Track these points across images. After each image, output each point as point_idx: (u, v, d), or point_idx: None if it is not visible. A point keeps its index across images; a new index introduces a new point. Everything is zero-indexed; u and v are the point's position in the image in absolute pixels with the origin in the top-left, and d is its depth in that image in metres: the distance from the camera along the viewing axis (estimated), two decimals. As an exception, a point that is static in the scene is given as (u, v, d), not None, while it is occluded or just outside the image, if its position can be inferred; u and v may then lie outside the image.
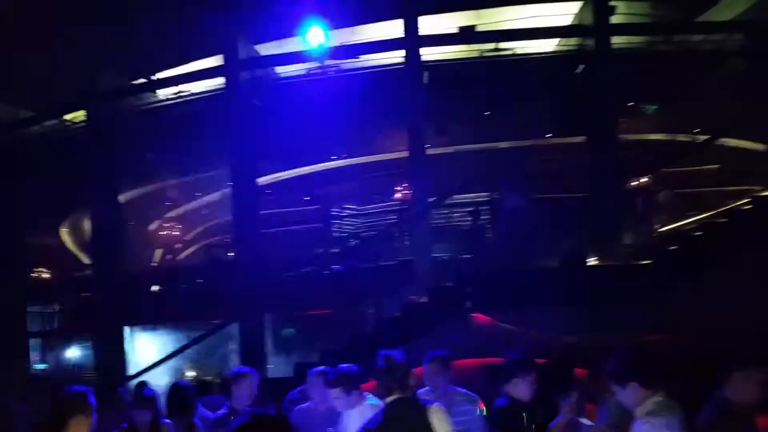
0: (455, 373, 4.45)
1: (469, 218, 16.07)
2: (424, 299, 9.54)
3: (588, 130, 12.74)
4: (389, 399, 3.41)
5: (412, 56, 12.39)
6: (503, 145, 16.56)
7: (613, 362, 3.33)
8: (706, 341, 8.34)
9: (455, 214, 17.18)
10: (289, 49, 14.14)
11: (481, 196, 16.67)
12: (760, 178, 14.31)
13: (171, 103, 14.71)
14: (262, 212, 14.42)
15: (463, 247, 14.72)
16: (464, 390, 4.37)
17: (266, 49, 14.86)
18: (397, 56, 12.89)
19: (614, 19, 12.44)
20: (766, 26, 12.28)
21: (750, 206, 10.54)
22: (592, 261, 10.94)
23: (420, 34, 12.56)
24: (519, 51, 13.89)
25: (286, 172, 18.52)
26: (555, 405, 3.92)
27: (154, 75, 15.07)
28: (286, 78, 14.52)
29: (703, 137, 15.77)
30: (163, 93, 14.93)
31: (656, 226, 13.33)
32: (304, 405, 4.46)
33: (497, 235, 13.75)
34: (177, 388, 4.49)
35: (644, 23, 13.87)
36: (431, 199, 12.87)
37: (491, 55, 13.68)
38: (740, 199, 11.91)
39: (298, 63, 13.91)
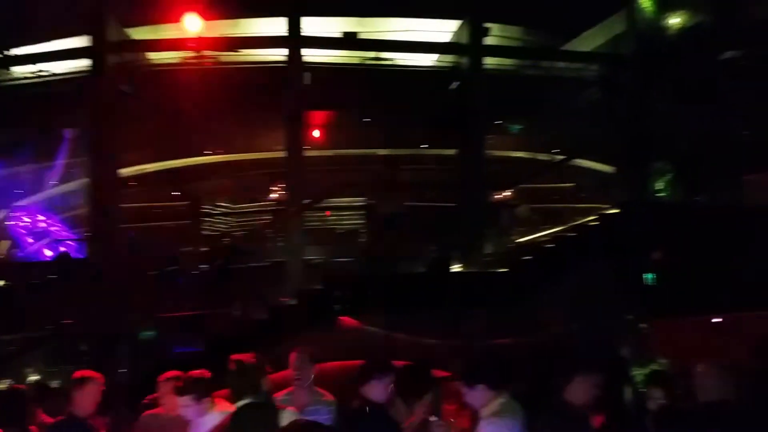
0: (318, 376, 4.45)
1: (345, 222, 16.23)
2: (292, 302, 9.47)
3: (459, 143, 13.36)
4: (238, 404, 3.33)
5: (295, 56, 12.30)
6: (381, 152, 16.90)
7: (463, 364, 3.50)
8: (553, 344, 9.07)
9: (331, 217, 17.26)
10: (164, 35, 13.44)
11: (358, 200, 16.88)
12: (607, 197, 15.76)
13: (29, 83, 13.41)
14: (123, 205, 13.53)
15: (338, 250, 14.82)
16: (322, 391, 4.37)
17: (139, 33, 13.99)
18: (280, 54, 12.73)
19: (488, 41, 13.18)
20: (618, 60, 13.59)
21: (596, 222, 11.64)
22: (456, 267, 11.49)
23: (303, 34, 12.51)
24: (399, 62, 14.26)
25: (154, 165, 17.55)
26: (411, 406, 4.05)
27: (9, 50, 13.63)
28: (160, 65, 13.78)
29: (560, 157, 17.12)
30: (20, 71, 13.57)
31: (515, 237, 14.25)
32: (153, 411, 4.24)
33: (370, 240, 14.00)
34: (8, 394, 4.08)
35: (514, 47, 14.80)
36: (307, 201, 12.83)
37: (373, 63, 13.94)
38: (589, 216, 13.10)
39: (172, 50, 13.25)
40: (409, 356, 5.79)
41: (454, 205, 13.22)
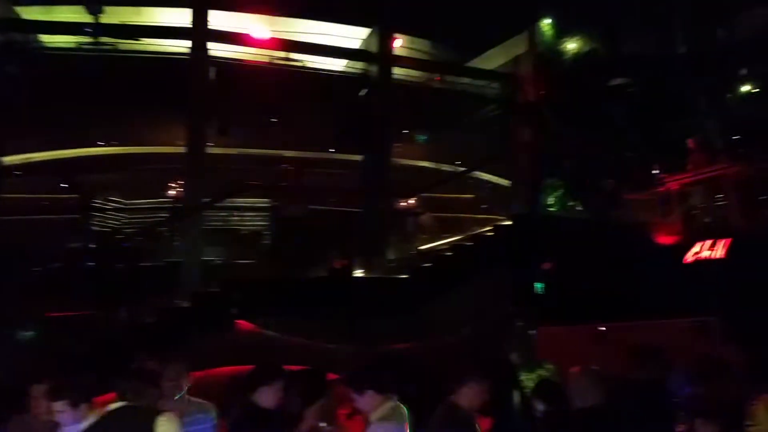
0: (212, 381, 4.34)
1: (247, 223, 15.87)
2: (186, 304, 9.13)
3: (365, 150, 13.51)
4: (111, 407, 3.20)
5: (200, 49, 11.91)
6: (288, 153, 16.74)
7: (353, 370, 3.56)
8: (447, 349, 9.37)
9: (233, 218, 16.82)
10: (58, 17, 12.60)
11: (261, 201, 16.57)
12: (504, 208, 16.47)
13: None
14: (4, 196, 12.51)
15: (238, 252, 14.46)
16: (198, 400, 4.25)
17: (30, 12, 13.03)
18: (184, 46, 12.29)
19: (397, 51, 13.43)
20: (516, 79, 14.29)
21: (492, 233, 12.15)
22: (358, 273, 11.57)
23: (210, 28, 12.16)
24: (309, 65, 14.22)
25: (42, 154, 16.35)
26: (302, 412, 4.04)
27: None
28: (53, 49, 12.89)
29: (462, 169, 17.75)
30: None
31: (417, 244, 14.59)
32: (23, 414, 3.95)
33: (272, 242, 13.78)
34: None
35: (422, 59, 15.21)
36: (207, 200, 12.44)
37: (282, 63, 13.80)
38: (486, 226, 13.64)
39: (67, 34, 12.44)
40: (307, 361, 5.79)
41: (358, 210, 13.33)
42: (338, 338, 9.18)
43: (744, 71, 13.13)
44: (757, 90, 13.19)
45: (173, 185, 17.25)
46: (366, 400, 3.56)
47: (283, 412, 3.88)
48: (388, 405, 3.54)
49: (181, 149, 12.39)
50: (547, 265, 12.35)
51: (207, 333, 8.20)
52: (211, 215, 14.55)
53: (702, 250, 10.60)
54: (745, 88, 13.36)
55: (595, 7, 13.19)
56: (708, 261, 10.53)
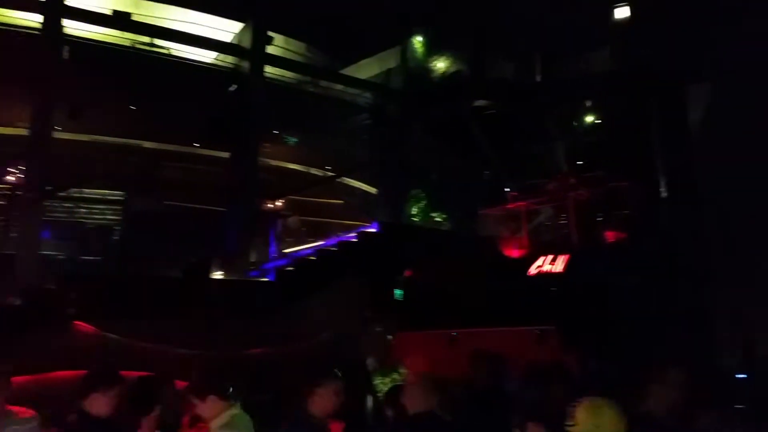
0: (44, 386, 3.91)
1: (95, 216, 14.65)
2: (17, 302, 8.24)
3: (233, 147, 13.09)
4: None
5: (52, 25, 10.87)
6: (147, 144, 15.71)
7: (194, 376, 3.39)
8: (303, 354, 9.30)
9: (80, 210, 15.45)
10: None
11: (113, 194, 15.41)
12: (370, 216, 16.76)
13: None
14: None
15: (84, 247, 13.33)
16: (16, 409, 3.81)
17: None
18: (36, 21, 11.17)
19: (271, 50, 13.19)
20: (388, 91, 14.67)
21: (356, 239, 12.32)
22: (217, 274, 11.15)
23: (65, 3, 11.16)
24: (176, 53, 13.52)
25: None
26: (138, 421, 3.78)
27: None
28: None
29: (331, 174, 17.80)
30: None
31: (282, 247, 14.38)
32: None
33: (122, 238, 12.87)
34: None
35: (297, 61, 15.06)
36: (50, 188, 11.33)
37: (145, 48, 12.99)
38: (353, 232, 13.79)
39: None
40: (153, 367, 5.42)
41: (221, 209, 12.86)
42: (193, 342, 8.76)
43: (589, 103, 14.54)
44: (599, 120, 14.66)
45: (12, 170, 15.48)
46: (208, 407, 3.40)
47: (116, 421, 3.61)
48: (230, 412, 3.41)
49: (24, 131, 11.20)
50: (407, 273, 12.78)
51: (40, 334, 7.43)
52: (54, 205, 13.31)
53: (544, 264, 11.53)
54: (589, 118, 14.80)
55: (463, 33, 13.91)
56: (549, 274, 11.48)
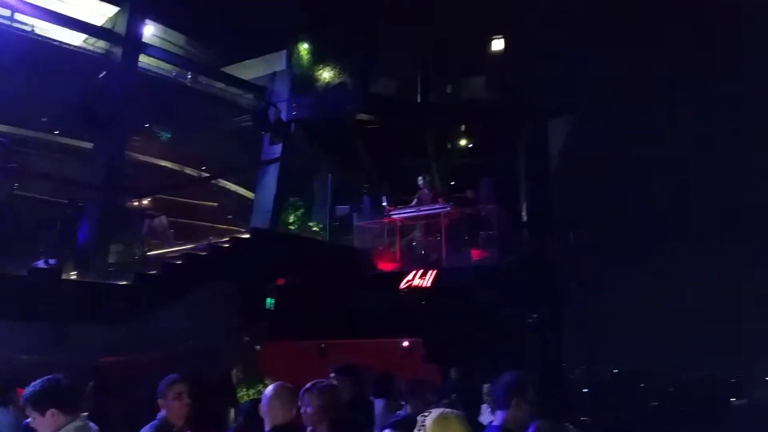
0: None
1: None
2: None
3: (96, 137, 12.19)
4: None
5: None
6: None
7: (32, 388, 3.08)
8: (161, 362, 8.80)
9: None
10: None
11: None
12: (245, 221, 16.32)
13: None
14: None
15: None
16: None
17: None
18: None
19: (148, 39, 12.47)
20: (272, 94, 14.39)
21: (228, 244, 11.92)
22: (71, 275, 10.26)
23: None
24: (40, 32, 12.36)
25: None
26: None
27: None
28: None
29: (206, 174, 17.13)
30: None
31: (147, 249, 13.56)
32: None
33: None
34: None
35: (175, 54, 14.34)
36: None
37: (5, 23, 11.77)
38: (223, 237, 13.33)
39: None
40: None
41: (79, 203, 11.86)
42: (37, 348, 7.99)
43: (463, 127, 15.32)
44: (471, 145, 15.49)
45: None
46: (47, 421, 3.10)
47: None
48: (73, 425, 3.13)
49: None
50: (279, 282, 12.58)
51: None
52: None
53: (414, 279, 11.89)
54: (464, 141, 15.59)
55: (348, 46, 14.06)
56: (418, 288, 11.85)
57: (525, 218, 13.93)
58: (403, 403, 5.78)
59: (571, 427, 4.47)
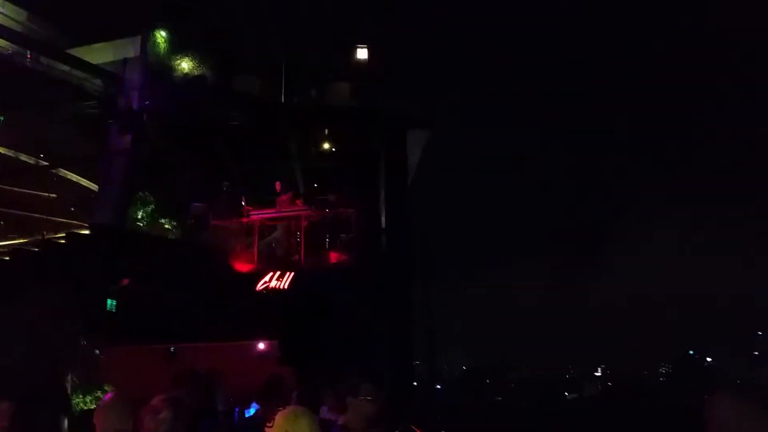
0: None
1: None
2: None
3: None
4: None
5: None
6: None
7: None
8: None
9: None
10: None
11: None
12: (88, 215, 15.10)
13: None
14: None
15: None
16: None
17: None
18: None
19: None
20: (122, 81, 13.43)
21: (65, 240, 10.96)
22: None
23: None
24: None
25: None
26: None
27: None
28: None
29: (45, 163, 15.63)
30: None
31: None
32: None
33: None
34: None
35: (13, 29, 12.94)
36: None
37: None
38: (61, 232, 12.24)
39: None
40: None
41: None
42: None
43: (326, 131, 15.39)
44: (334, 149, 15.61)
45: None
46: None
47: None
48: None
49: None
50: (124, 282, 11.76)
51: None
52: None
53: (271, 280, 11.75)
54: (326, 145, 15.67)
55: (209, 38, 13.60)
56: (275, 290, 11.72)
57: (384, 223, 14.30)
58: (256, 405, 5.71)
59: (412, 428, 4.68)
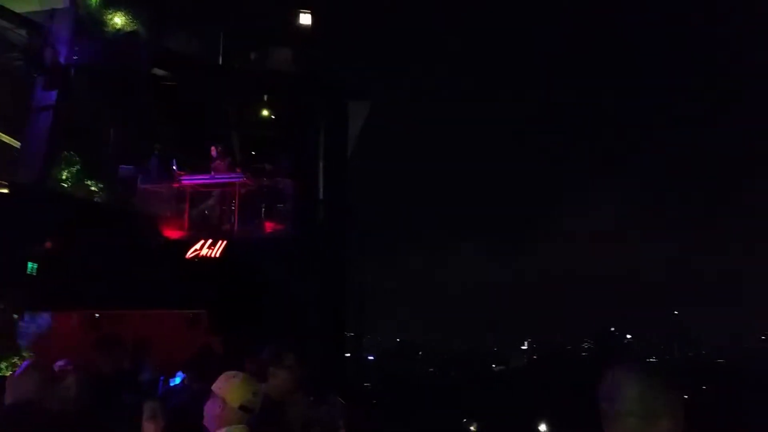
0: None
1: None
2: None
3: None
4: None
5: None
6: None
7: None
8: None
9: None
10: None
11: None
12: (8, 172, 14.26)
13: None
14: None
15: None
16: None
17: None
18: None
19: None
20: (49, 33, 12.66)
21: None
22: None
23: None
24: None
25: None
26: None
27: None
28: None
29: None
30: None
31: None
32: None
33: None
34: None
35: None
36: None
37: None
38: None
39: None
40: None
41: None
42: None
43: (265, 97, 15.00)
44: (273, 117, 15.26)
45: None
46: None
47: None
48: None
49: None
50: (46, 244, 11.24)
51: None
52: None
53: (202, 249, 11.51)
54: (265, 112, 15.28)
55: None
56: (205, 258, 11.50)
57: (321, 195, 14.20)
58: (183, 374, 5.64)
59: (338, 399, 4.75)
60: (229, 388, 2.81)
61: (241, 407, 2.76)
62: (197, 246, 11.53)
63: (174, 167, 12.74)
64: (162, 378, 8.08)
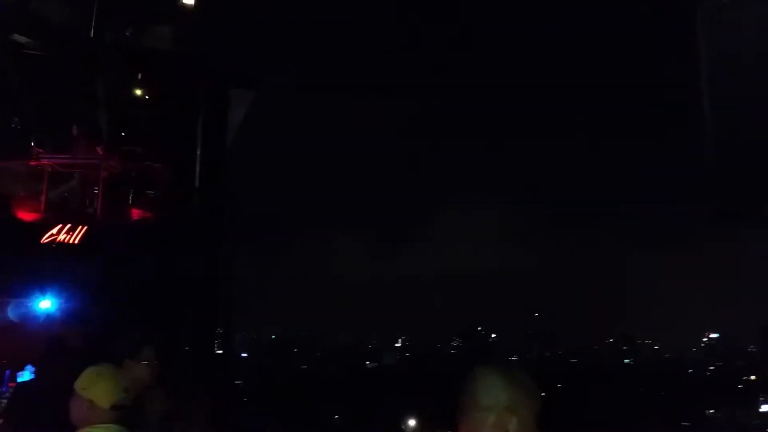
0: None
1: None
2: None
3: None
4: None
5: None
6: None
7: None
8: None
9: None
10: None
11: None
12: None
13: None
14: None
15: None
16: None
17: None
18: None
19: None
20: None
21: None
22: None
23: None
24: None
25: None
26: None
27: None
28: None
29: None
30: None
31: None
32: None
33: None
34: None
35: None
36: None
37: None
38: None
39: None
40: None
41: None
42: None
43: (140, 76, 14.05)
44: (147, 97, 14.32)
45: None
46: None
47: None
48: None
49: None
50: None
51: None
52: None
53: (59, 234, 10.63)
54: (138, 92, 14.30)
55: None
56: (63, 244, 10.63)
57: (197, 183, 13.59)
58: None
59: (203, 395, 4.63)
60: (96, 389, 2.65)
61: (113, 407, 2.63)
62: (54, 231, 10.63)
63: (32, 143, 11.62)
64: (8, 372, 7.48)
